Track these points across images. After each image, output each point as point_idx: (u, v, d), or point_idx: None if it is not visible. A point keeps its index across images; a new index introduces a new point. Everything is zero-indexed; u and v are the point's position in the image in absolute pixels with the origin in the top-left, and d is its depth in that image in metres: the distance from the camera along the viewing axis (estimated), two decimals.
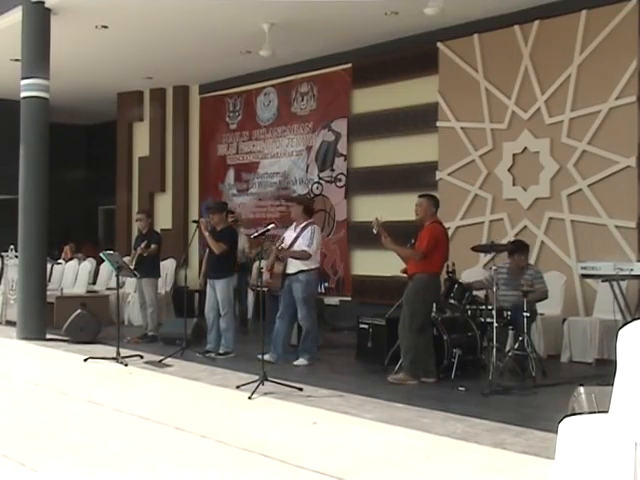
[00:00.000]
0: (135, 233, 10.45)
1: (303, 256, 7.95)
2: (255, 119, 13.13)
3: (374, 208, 10.21)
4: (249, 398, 6.22)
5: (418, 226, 7.43)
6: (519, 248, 7.85)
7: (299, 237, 8.05)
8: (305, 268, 7.99)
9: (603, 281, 7.41)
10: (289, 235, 8.21)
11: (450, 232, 9.03)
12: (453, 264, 7.65)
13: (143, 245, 9.60)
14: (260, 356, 7.83)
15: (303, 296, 7.98)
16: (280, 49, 10.57)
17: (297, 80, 12.34)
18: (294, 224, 8.33)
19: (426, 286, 7.12)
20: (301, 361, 8.01)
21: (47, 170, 10.03)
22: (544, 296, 7.69)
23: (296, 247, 8.02)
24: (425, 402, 6.09)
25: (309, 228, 8.08)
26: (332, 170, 11.84)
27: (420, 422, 5.44)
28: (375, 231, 7.26)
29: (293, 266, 7.99)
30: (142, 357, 8.34)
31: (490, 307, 7.18)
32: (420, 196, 7.47)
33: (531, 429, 5.19)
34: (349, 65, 11.56)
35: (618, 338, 3.45)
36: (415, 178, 10.49)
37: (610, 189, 8.71)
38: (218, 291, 8.52)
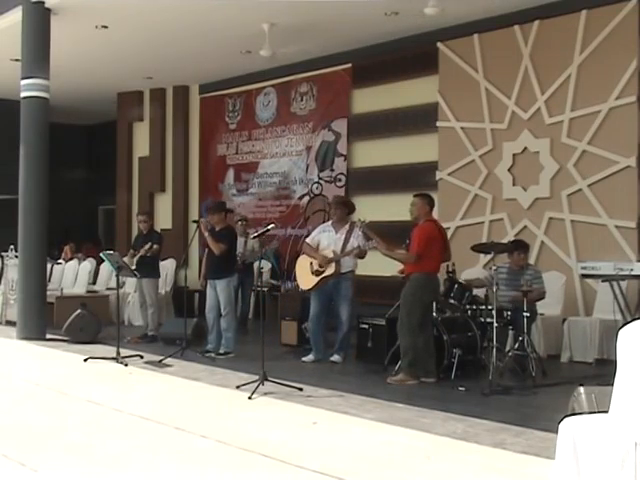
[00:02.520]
0: (135, 233, 10.45)
1: (362, 253, 8.03)
2: (254, 119, 13.13)
3: (374, 208, 10.26)
4: (249, 398, 6.22)
5: (414, 225, 7.42)
6: (518, 246, 7.86)
7: (350, 238, 8.07)
8: (354, 268, 8.17)
9: (603, 281, 7.41)
10: (330, 237, 8.18)
11: (450, 232, 9.06)
12: (453, 264, 7.65)
13: (147, 247, 9.59)
14: (304, 359, 8.14)
15: (350, 295, 8.12)
16: (280, 49, 10.57)
17: (297, 80, 12.34)
18: (332, 225, 8.31)
19: (422, 285, 7.11)
20: (337, 358, 8.11)
21: (47, 170, 10.03)
22: (542, 296, 7.69)
23: (350, 247, 8.04)
24: (425, 402, 6.09)
25: (355, 228, 8.12)
26: (332, 170, 11.85)
27: (420, 422, 5.44)
28: (360, 232, 7.27)
29: (345, 265, 8.08)
30: (142, 357, 8.33)
31: (490, 307, 7.17)
32: (415, 196, 7.47)
33: (531, 429, 5.19)
34: (349, 65, 11.56)
35: (618, 338, 3.45)
36: (415, 178, 10.49)
37: (610, 189, 8.71)
38: (219, 291, 8.51)
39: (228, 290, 8.53)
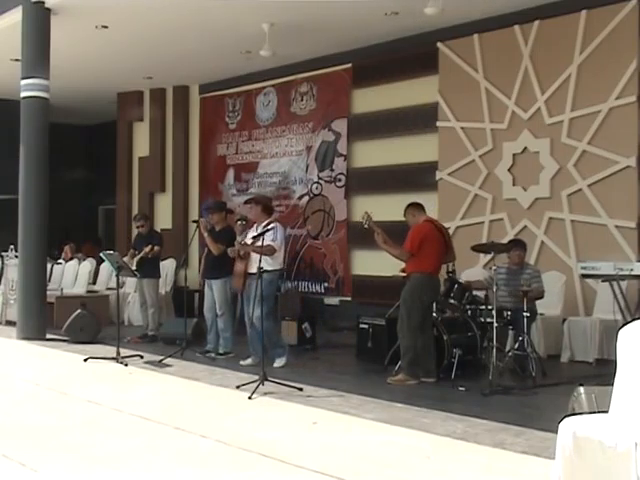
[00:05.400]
0: (135, 232, 10.47)
1: (269, 251, 7.53)
2: (254, 119, 13.13)
3: (374, 208, 10.16)
4: (249, 398, 6.23)
5: None
6: (515, 244, 7.87)
7: (264, 235, 7.53)
8: (269, 268, 7.60)
9: (603, 281, 7.41)
10: (251, 235, 7.88)
11: (450, 232, 9.03)
12: (453, 264, 7.65)
13: (148, 249, 9.59)
14: (242, 362, 7.86)
15: (258, 294, 7.46)
16: (280, 49, 10.57)
17: (297, 80, 12.34)
18: (255, 225, 8.00)
19: (422, 286, 7.10)
20: (279, 361, 7.78)
21: (47, 170, 10.03)
22: (540, 295, 7.68)
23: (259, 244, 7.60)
24: (425, 402, 6.09)
25: (271, 225, 7.67)
26: (332, 170, 11.84)
27: (420, 422, 5.44)
28: (366, 226, 7.26)
29: (256, 265, 7.46)
30: (142, 357, 8.34)
31: (490, 307, 7.17)
32: (404, 213, 7.46)
33: (531, 429, 5.19)
34: (349, 65, 11.56)
35: (618, 338, 3.46)
36: (415, 178, 10.49)
37: (610, 189, 8.71)
38: (214, 291, 8.51)
39: (224, 290, 8.51)
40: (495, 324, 6.95)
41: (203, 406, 6.18)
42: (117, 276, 8.67)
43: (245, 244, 7.80)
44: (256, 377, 6.57)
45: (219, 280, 8.50)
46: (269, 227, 7.63)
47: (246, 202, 9.08)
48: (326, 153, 11.93)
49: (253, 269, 7.60)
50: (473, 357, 7.48)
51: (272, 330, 7.89)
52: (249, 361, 7.93)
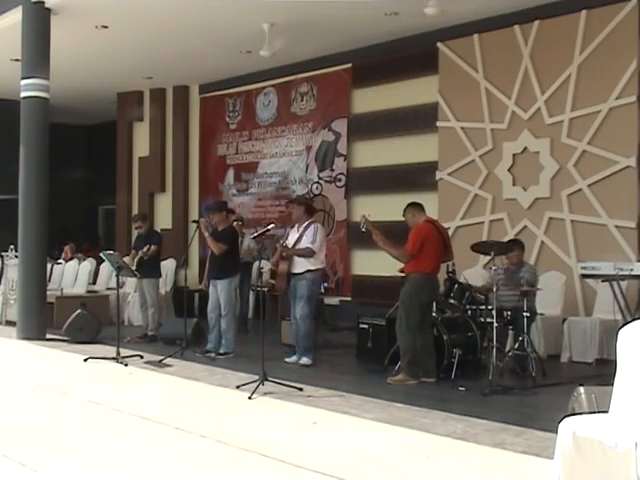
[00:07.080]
0: (135, 232, 10.48)
1: (308, 253, 7.88)
2: (255, 119, 13.14)
3: (374, 208, 10.20)
4: (249, 398, 6.23)
5: None
6: (513, 245, 7.87)
7: (302, 236, 7.98)
8: (312, 268, 7.93)
9: (603, 281, 7.41)
10: (292, 236, 8.15)
11: (450, 232, 9.04)
12: (453, 264, 7.65)
13: (145, 249, 9.59)
14: (289, 360, 7.90)
15: (307, 295, 7.89)
16: (280, 49, 10.56)
17: (297, 80, 12.35)
18: (296, 225, 8.24)
19: (420, 286, 7.09)
20: (306, 360, 7.92)
21: (47, 170, 10.04)
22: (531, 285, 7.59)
23: (300, 245, 7.95)
24: (425, 402, 6.09)
25: (312, 227, 8.04)
26: (332, 170, 11.85)
27: (420, 422, 5.44)
28: (363, 229, 7.25)
29: (300, 266, 7.91)
30: (142, 357, 8.34)
31: (490, 307, 7.17)
32: (403, 213, 7.46)
33: (531, 429, 5.19)
34: (349, 65, 11.57)
35: (618, 338, 3.46)
36: (415, 178, 10.50)
37: (610, 189, 8.71)
38: (219, 291, 8.51)
39: (229, 290, 8.52)
40: (495, 324, 6.95)
41: (203, 406, 6.18)
42: (117, 276, 8.67)
43: (286, 247, 7.98)
44: (256, 377, 6.57)
45: (224, 280, 8.50)
46: (308, 227, 7.92)
47: (288, 202, 9.28)
48: (326, 153, 11.94)
49: (296, 269, 7.88)
50: (473, 357, 7.48)
51: (312, 330, 8.02)
52: (304, 361, 7.96)
